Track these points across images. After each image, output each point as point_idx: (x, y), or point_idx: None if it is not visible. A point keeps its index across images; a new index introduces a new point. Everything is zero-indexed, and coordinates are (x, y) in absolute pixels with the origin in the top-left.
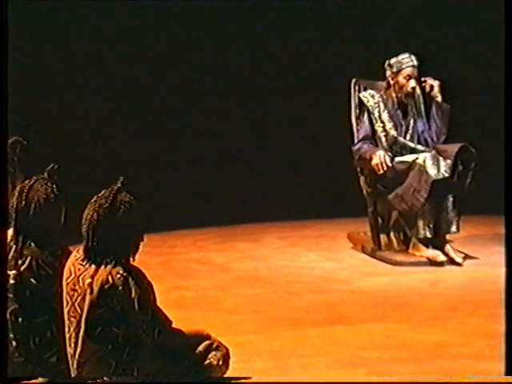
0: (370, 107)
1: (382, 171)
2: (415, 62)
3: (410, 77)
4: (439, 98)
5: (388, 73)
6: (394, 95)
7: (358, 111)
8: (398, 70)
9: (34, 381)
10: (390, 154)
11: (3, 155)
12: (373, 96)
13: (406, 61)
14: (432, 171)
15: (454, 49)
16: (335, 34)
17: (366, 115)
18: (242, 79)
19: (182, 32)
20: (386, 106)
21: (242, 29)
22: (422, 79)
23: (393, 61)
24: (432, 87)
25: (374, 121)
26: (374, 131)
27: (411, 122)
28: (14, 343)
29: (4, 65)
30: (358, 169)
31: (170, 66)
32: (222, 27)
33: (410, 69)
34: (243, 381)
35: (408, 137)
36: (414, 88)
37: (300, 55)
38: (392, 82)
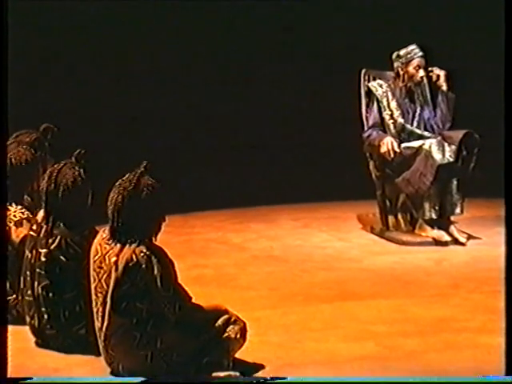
0: (378, 96)
1: (390, 157)
2: (422, 53)
3: (419, 67)
4: (445, 88)
5: (397, 64)
6: (402, 85)
7: (367, 99)
8: (408, 60)
9: (33, 381)
10: (397, 140)
11: (3, 156)
12: (381, 85)
13: (415, 52)
14: (437, 156)
15: (455, 40)
16: (342, 27)
17: (375, 104)
18: (257, 70)
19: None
20: (393, 95)
21: (253, 17)
22: (429, 69)
23: (402, 52)
24: (438, 77)
25: (383, 109)
26: (382, 119)
27: (418, 109)
28: (45, 316)
29: (4, 61)
30: (368, 154)
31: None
32: (231, 16)
33: (418, 59)
34: (244, 380)
35: (415, 124)
36: (423, 77)
37: (318, 46)
38: (402, 73)
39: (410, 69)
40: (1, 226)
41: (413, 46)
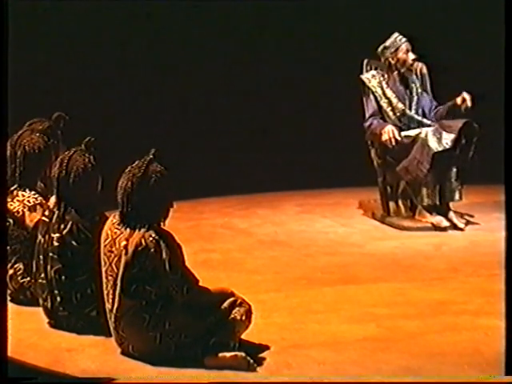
0: (372, 87)
1: (391, 145)
2: (406, 38)
3: (408, 50)
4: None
5: (386, 54)
6: (395, 73)
7: (366, 90)
8: (396, 48)
9: (33, 381)
10: (398, 126)
11: (3, 154)
12: (374, 76)
13: (400, 38)
14: (433, 144)
15: (456, 29)
16: (344, 18)
17: (370, 94)
18: (263, 60)
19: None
20: (388, 84)
21: (254, 13)
22: (462, 96)
23: (388, 43)
24: (464, 100)
25: (379, 98)
26: (380, 107)
27: (415, 97)
28: (58, 298)
29: (5, 57)
30: (369, 142)
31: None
32: (241, 10)
33: (405, 44)
34: (244, 380)
35: (412, 111)
36: (414, 59)
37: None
38: (393, 62)
39: (400, 54)
40: (0, 210)
41: (396, 34)
